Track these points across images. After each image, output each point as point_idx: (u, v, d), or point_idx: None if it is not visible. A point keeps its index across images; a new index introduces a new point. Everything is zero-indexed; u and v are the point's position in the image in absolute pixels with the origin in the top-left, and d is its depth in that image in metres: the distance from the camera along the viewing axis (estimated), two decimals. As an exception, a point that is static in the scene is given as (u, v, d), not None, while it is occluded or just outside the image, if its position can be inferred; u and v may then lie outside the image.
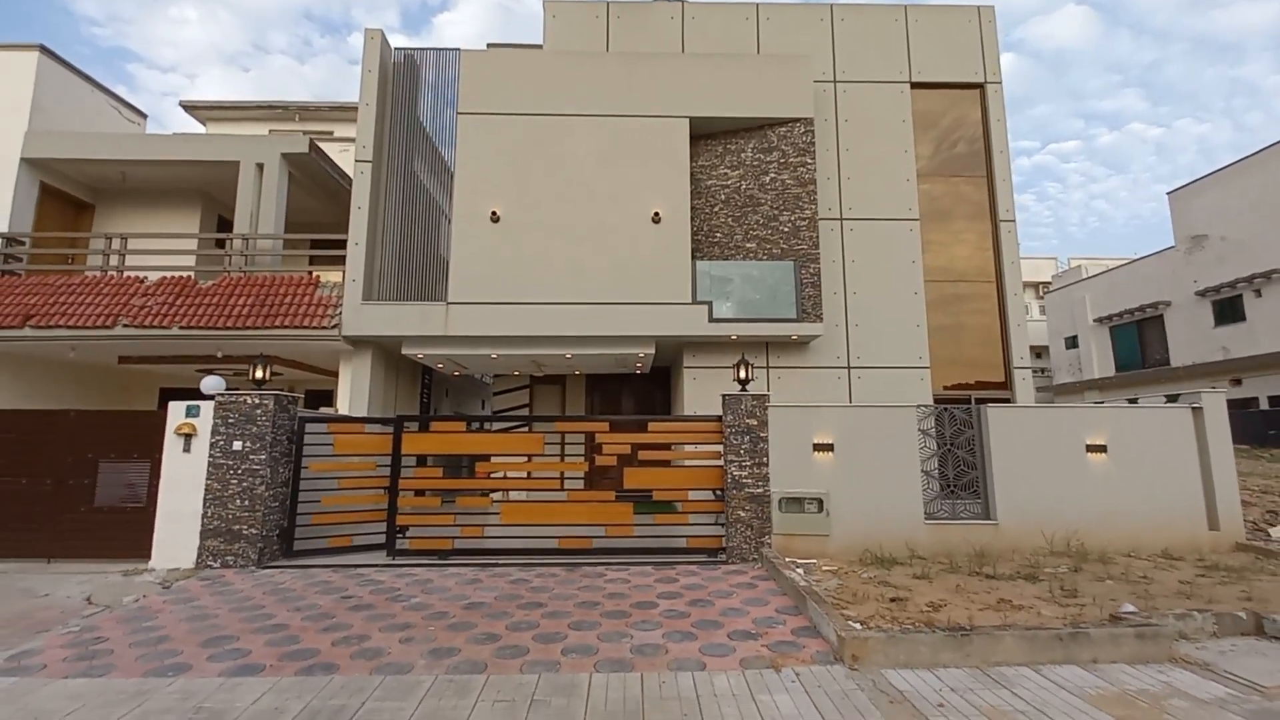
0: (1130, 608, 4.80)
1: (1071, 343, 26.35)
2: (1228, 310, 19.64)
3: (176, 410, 7.10)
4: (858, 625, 4.46)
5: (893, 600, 5.16)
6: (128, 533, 7.25)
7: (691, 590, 5.84)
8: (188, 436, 6.99)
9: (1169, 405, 7.51)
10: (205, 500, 6.87)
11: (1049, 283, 30.86)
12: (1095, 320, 24.83)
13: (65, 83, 11.65)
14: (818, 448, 7.12)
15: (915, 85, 11.12)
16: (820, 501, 6.97)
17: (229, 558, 6.77)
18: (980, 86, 11.22)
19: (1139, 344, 23.13)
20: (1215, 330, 19.90)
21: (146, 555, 7.02)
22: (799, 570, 6.00)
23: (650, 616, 5.09)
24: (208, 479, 6.90)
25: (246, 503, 6.83)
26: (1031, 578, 5.88)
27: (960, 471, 7.30)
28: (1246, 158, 18.75)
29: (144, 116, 13.45)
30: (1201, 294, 20.22)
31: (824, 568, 6.32)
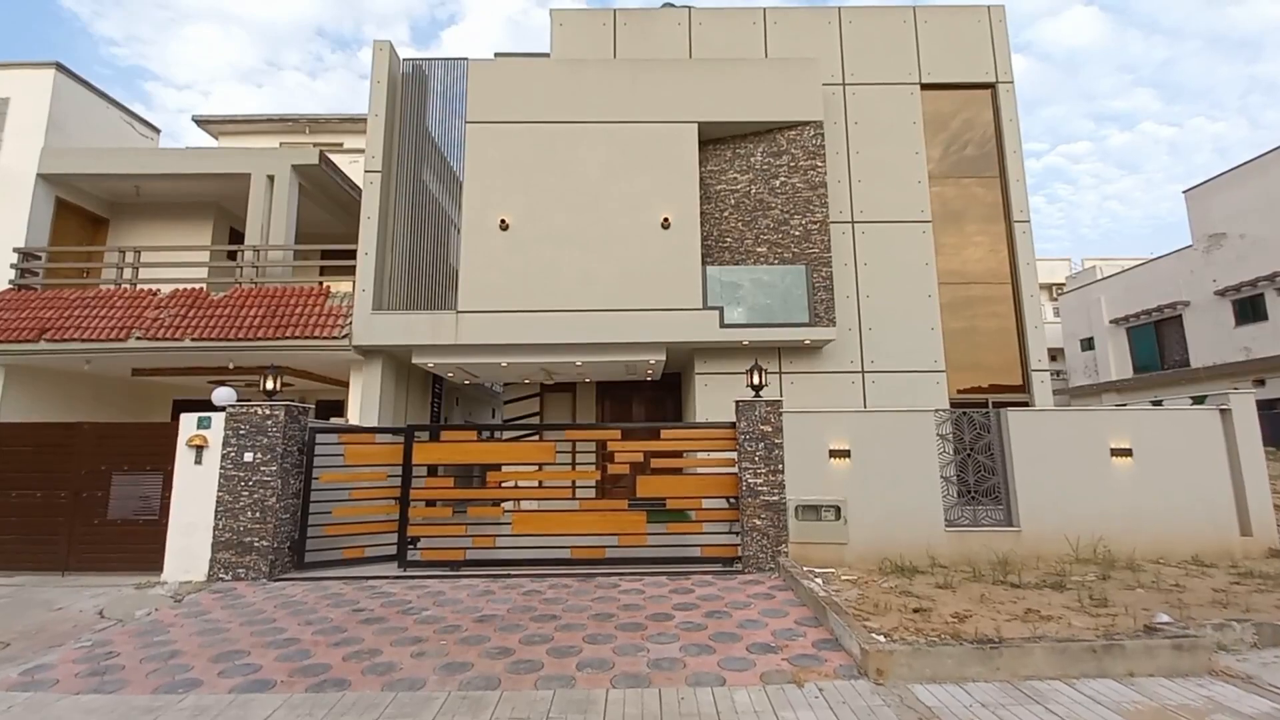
0: (1165, 618, 4.63)
1: (1087, 344, 25.94)
2: (1249, 310, 19.24)
3: (188, 422, 7.09)
4: (881, 638, 4.32)
5: (916, 611, 5.01)
6: (141, 545, 7.25)
7: (707, 601, 5.73)
8: (199, 448, 6.98)
9: (1196, 407, 7.31)
10: (216, 512, 6.84)
11: (1063, 284, 30.44)
12: (1111, 321, 24.44)
13: (81, 99, 11.81)
14: (834, 454, 6.99)
15: (925, 87, 11.01)
16: (837, 509, 6.83)
17: (240, 570, 6.74)
18: (992, 86, 11.09)
19: (1157, 345, 22.73)
20: (1236, 330, 19.50)
21: (159, 568, 7.00)
22: (817, 580, 5.87)
23: (666, 629, 4.98)
24: (219, 491, 6.88)
25: (257, 514, 6.80)
26: (1058, 586, 5.71)
27: (981, 477, 7.14)
28: (1265, 154, 18.42)
29: (157, 131, 13.61)
30: (1221, 293, 19.83)
31: (843, 577, 6.18)
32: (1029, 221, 10.73)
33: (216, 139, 16.12)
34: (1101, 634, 4.39)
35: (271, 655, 4.56)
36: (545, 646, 4.61)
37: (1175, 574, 6.21)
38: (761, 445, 7.01)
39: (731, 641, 4.66)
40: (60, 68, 11.27)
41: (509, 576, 6.75)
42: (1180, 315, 21.55)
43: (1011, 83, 11.05)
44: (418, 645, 4.68)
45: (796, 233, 10.01)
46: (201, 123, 16.15)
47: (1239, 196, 19.29)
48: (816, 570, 6.38)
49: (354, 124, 16.08)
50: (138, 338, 9.48)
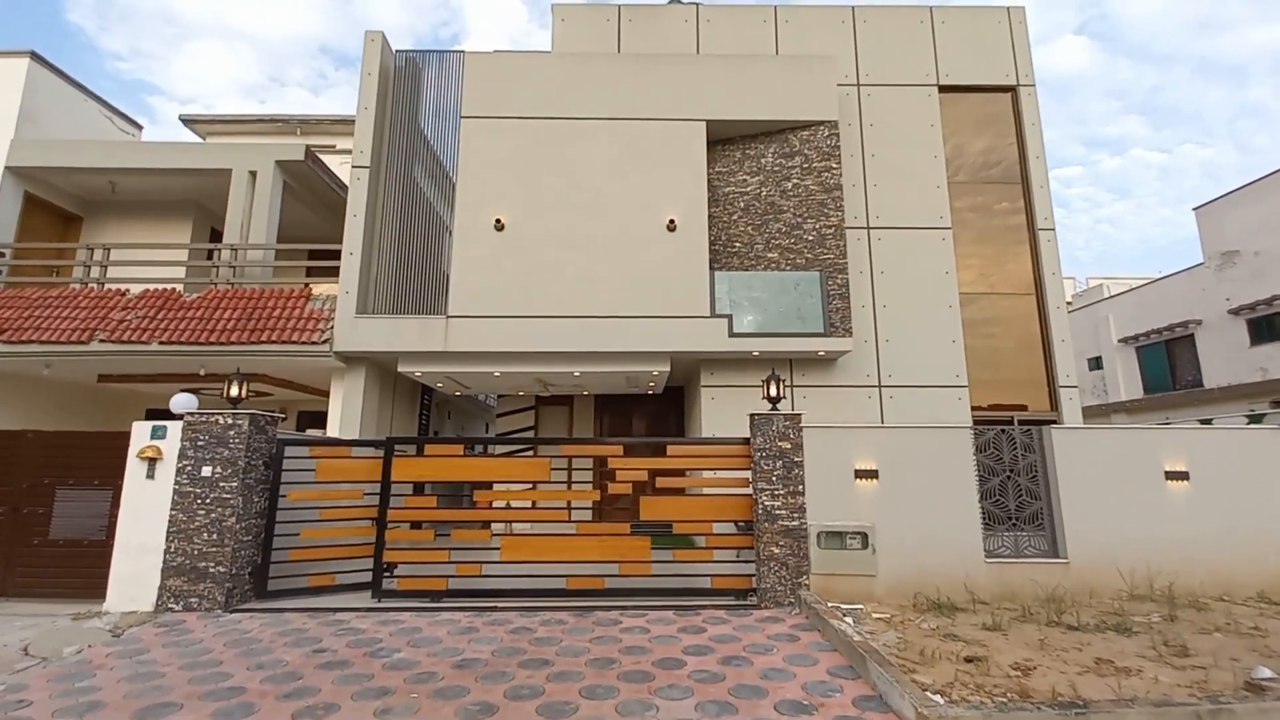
0: (1268, 672, 3.92)
1: (1095, 364, 25.39)
2: (1265, 329, 18.73)
3: (141, 431, 6.35)
4: (938, 697, 3.61)
5: (969, 660, 4.29)
6: (85, 569, 6.48)
7: (723, 643, 4.99)
8: (152, 461, 6.24)
9: (1256, 426, 6.67)
10: (169, 533, 6.08)
11: (1069, 302, 30.02)
12: (1120, 340, 23.93)
13: (57, 91, 11.21)
14: (859, 474, 6.29)
15: (943, 89, 10.52)
16: (864, 536, 6.12)
17: (193, 599, 5.96)
18: (1013, 89, 10.61)
19: (1169, 365, 22.18)
20: (1252, 350, 18.96)
21: (104, 595, 6.22)
22: (847, 619, 5.14)
23: (677, 679, 4.24)
24: (172, 509, 6.12)
25: (214, 536, 6.04)
26: (1122, 629, 5.01)
27: (1022, 502, 6.44)
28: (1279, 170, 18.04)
29: (139, 128, 13.01)
30: (1235, 312, 19.33)
31: (874, 615, 5.46)
32: (1054, 230, 10.19)
33: (205, 139, 15.55)
34: (1198, 692, 3.69)
35: (206, 711, 3.81)
36: (535, 703, 3.87)
37: (1247, 613, 5.51)
38: (779, 464, 6.31)
39: (756, 697, 3.93)
40: (35, 57, 10.68)
41: (496, 610, 5.99)
42: (1192, 334, 21.02)
43: (1033, 86, 10.57)
44: (383, 699, 3.93)
45: (810, 237, 9.42)
46: (189, 122, 15.56)
47: (1252, 213, 18.90)
48: (843, 606, 5.65)
49: (346, 126, 15.51)
50: (101, 340, 8.77)
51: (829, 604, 5.64)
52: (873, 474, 6.27)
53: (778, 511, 6.22)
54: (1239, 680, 3.89)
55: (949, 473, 6.29)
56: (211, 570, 6.01)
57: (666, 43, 10.59)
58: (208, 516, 6.10)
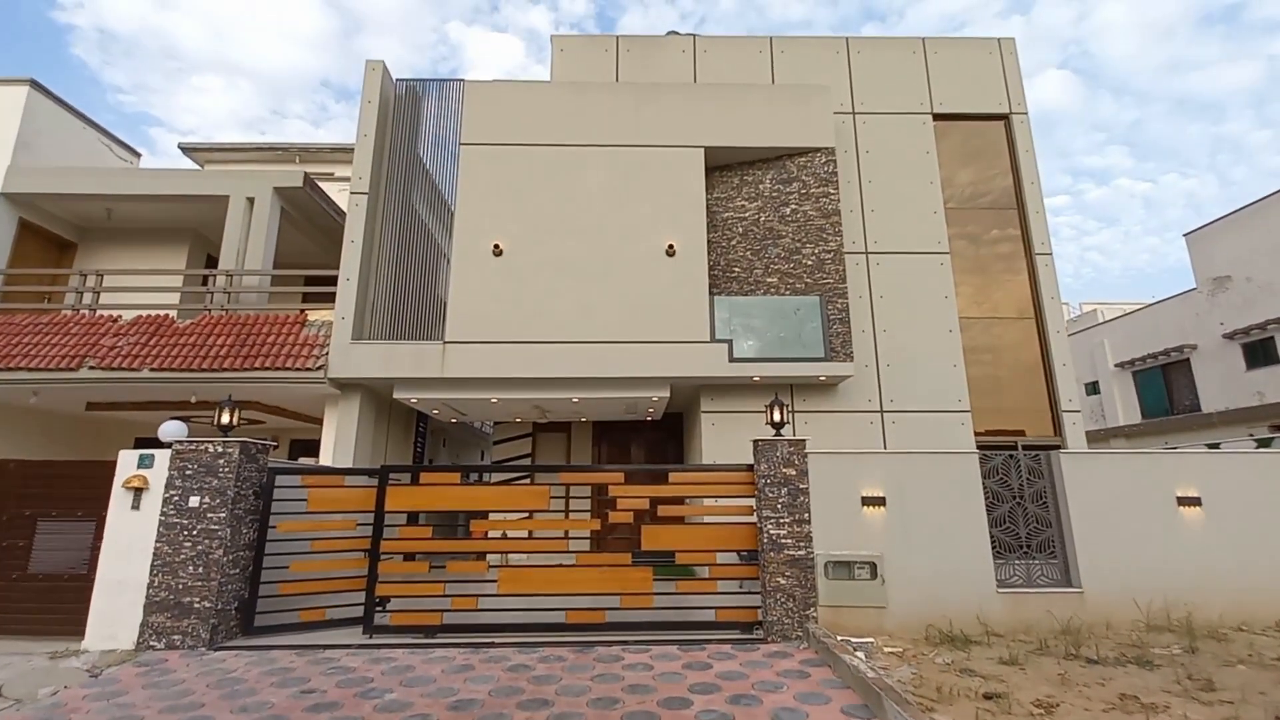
0: (1301, 710, 3.76)
1: (1092, 389, 25.40)
2: (1260, 353, 18.81)
3: (127, 460, 6.17)
4: (961, 738, 3.43)
5: (988, 697, 4.11)
6: (66, 605, 6.24)
7: (730, 680, 4.78)
8: (138, 491, 6.04)
9: (1267, 450, 6.57)
10: (153, 567, 5.85)
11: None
12: (1116, 365, 23.97)
13: (55, 118, 11.23)
14: (867, 501, 6.14)
15: (938, 117, 10.66)
16: (873, 566, 5.95)
17: (176, 637, 5.71)
18: (1005, 117, 10.76)
19: (1165, 389, 22.20)
20: (1248, 374, 19.01)
21: (84, 632, 5.96)
22: (859, 654, 4.95)
23: (684, 719, 4.04)
24: (157, 541, 5.91)
25: (200, 570, 5.82)
26: (1143, 662, 4.83)
27: (1033, 529, 6.30)
28: (1268, 197, 18.35)
29: (138, 155, 13.03)
30: (1230, 337, 19.44)
31: (886, 649, 5.26)
32: (1051, 254, 10.22)
33: (203, 167, 15.60)
34: (1231, 732, 3.52)
35: (185, 759, 3.59)
36: (535, 747, 3.67)
37: (1270, 644, 5.34)
38: (785, 491, 6.16)
39: (768, 740, 3.73)
40: (35, 85, 10.73)
41: (492, 646, 5.76)
42: (1188, 359, 21.08)
43: (1025, 114, 10.73)
44: (374, 745, 3.72)
45: (809, 262, 9.42)
46: (188, 150, 15.61)
47: (1243, 239, 19.13)
48: (854, 640, 5.45)
49: (346, 154, 15.58)
50: (90, 367, 8.61)
51: (839, 638, 5.44)
52: (880, 501, 6.12)
53: (783, 540, 6.05)
54: (1269, 716, 3.73)
55: (958, 499, 6.15)
56: (196, 605, 5.77)
57: (664, 73, 10.74)
58: (194, 549, 5.89)
